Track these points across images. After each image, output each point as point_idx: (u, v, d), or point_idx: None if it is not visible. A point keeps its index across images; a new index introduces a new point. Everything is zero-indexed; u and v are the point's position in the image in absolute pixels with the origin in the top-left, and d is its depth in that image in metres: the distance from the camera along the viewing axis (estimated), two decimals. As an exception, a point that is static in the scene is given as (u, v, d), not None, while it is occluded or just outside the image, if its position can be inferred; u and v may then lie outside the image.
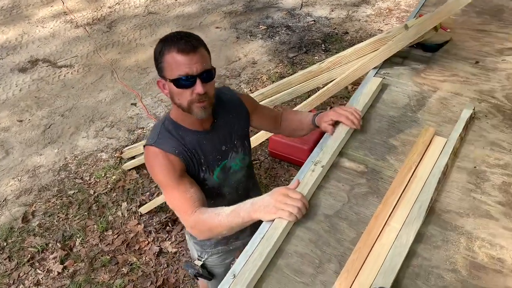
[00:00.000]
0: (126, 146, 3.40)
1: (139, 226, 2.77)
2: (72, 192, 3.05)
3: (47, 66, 4.48)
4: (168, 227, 2.76)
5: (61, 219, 2.86)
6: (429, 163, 1.29)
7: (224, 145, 1.39)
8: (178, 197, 1.24)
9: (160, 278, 2.47)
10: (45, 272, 2.55)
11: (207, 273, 1.63)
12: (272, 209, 1.11)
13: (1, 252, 2.68)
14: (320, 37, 4.65)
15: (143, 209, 2.84)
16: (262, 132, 2.77)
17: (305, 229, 1.16)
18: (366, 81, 1.76)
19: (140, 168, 3.18)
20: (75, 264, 2.58)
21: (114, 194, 3.02)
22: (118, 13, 5.41)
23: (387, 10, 5.06)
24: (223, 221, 1.16)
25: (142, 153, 3.16)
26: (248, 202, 1.16)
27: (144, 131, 3.57)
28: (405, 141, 1.44)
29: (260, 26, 4.96)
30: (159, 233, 2.72)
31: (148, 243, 2.67)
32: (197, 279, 1.78)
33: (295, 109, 2.41)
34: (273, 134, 2.79)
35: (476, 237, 1.12)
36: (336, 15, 5.06)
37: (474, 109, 1.50)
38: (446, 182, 1.28)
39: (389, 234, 1.10)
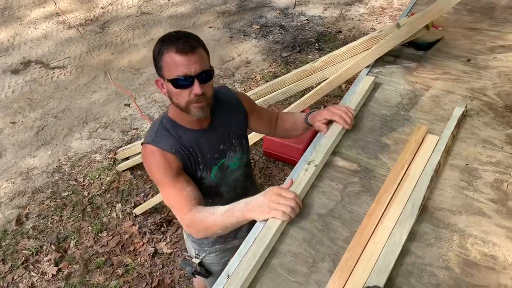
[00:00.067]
0: (120, 147, 3.38)
1: (133, 227, 2.76)
2: (66, 194, 3.04)
3: (39, 68, 4.45)
4: (163, 228, 2.75)
5: (55, 221, 2.85)
6: (421, 161, 1.30)
7: (222, 144, 1.40)
8: (175, 195, 1.25)
9: (156, 279, 2.47)
10: (39, 274, 2.54)
11: (205, 271, 1.64)
12: (266, 209, 1.12)
13: (-6, 255, 2.67)
14: (313, 36, 4.66)
15: (138, 210, 2.83)
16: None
17: (299, 228, 1.17)
18: (359, 80, 1.76)
19: (134, 169, 3.17)
20: (69, 266, 2.57)
21: (109, 195, 3.01)
22: (111, 14, 5.38)
23: (380, 9, 5.08)
24: (218, 221, 1.17)
25: (136, 154, 3.16)
26: (242, 202, 1.17)
27: (138, 132, 3.56)
28: (397, 140, 1.44)
29: (254, 26, 4.96)
30: (154, 234, 2.72)
31: (143, 244, 2.67)
32: (194, 277, 1.79)
33: (288, 108, 2.42)
34: (267, 135, 2.78)
35: (469, 234, 1.13)
36: (329, 14, 5.07)
37: (466, 107, 1.51)
38: (439, 180, 1.29)
39: (382, 232, 1.11)
